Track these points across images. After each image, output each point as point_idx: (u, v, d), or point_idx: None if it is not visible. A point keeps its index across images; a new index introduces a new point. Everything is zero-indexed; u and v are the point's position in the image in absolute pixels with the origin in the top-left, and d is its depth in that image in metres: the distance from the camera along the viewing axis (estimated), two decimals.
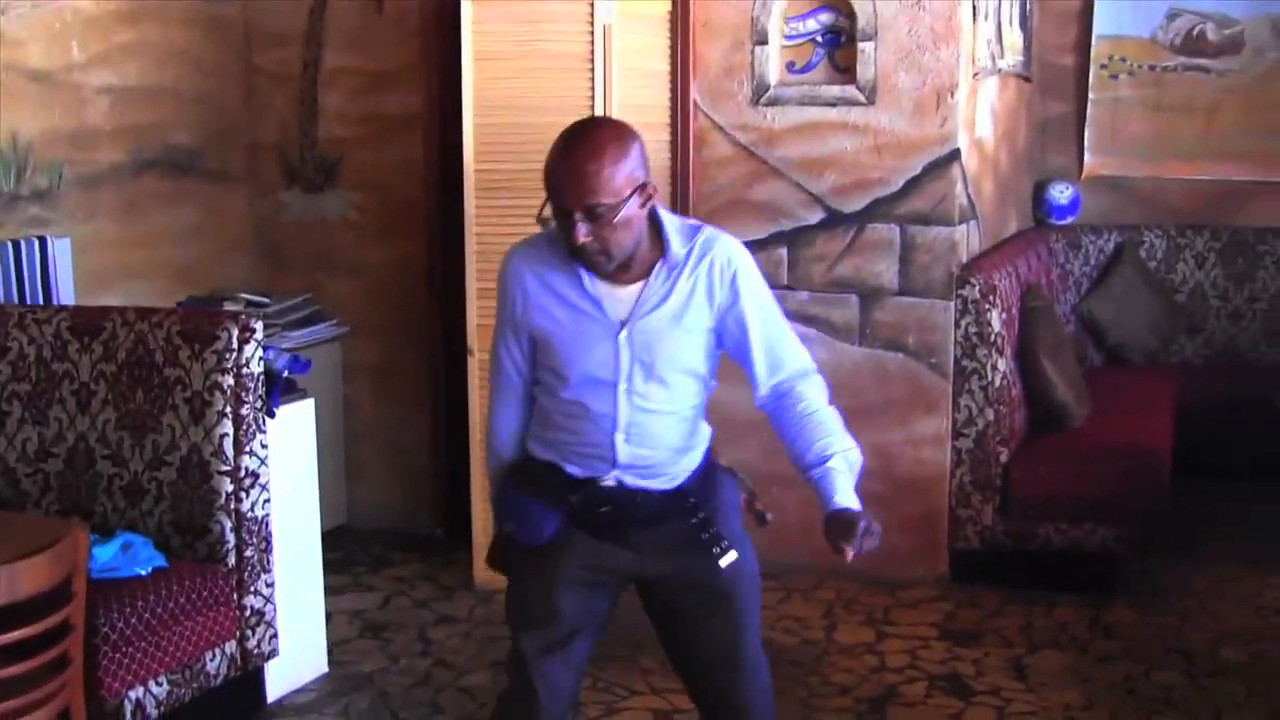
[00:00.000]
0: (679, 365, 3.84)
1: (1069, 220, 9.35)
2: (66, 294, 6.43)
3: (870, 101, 6.94)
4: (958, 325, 6.94)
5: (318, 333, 7.52)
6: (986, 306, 6.90)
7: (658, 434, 3.86)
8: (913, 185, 6.94)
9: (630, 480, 3.88)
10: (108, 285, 6.88)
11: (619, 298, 3.80)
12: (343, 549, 7.23)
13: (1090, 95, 9.43)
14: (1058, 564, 6.98)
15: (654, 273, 3.81)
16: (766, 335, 3.92)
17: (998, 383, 6.95)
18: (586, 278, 3.80)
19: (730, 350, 3.94)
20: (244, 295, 7.38)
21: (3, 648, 3.98)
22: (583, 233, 3.63)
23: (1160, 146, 9.38)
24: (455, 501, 7.64)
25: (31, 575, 4.03)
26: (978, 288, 6.91)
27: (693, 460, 3.96)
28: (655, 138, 6.97)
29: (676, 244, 3.81)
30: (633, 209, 3.68)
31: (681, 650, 4.13)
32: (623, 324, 3.79)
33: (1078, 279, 9.29)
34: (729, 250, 3.88)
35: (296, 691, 5.90)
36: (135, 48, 7.08)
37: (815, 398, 3.93)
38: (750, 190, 7.12)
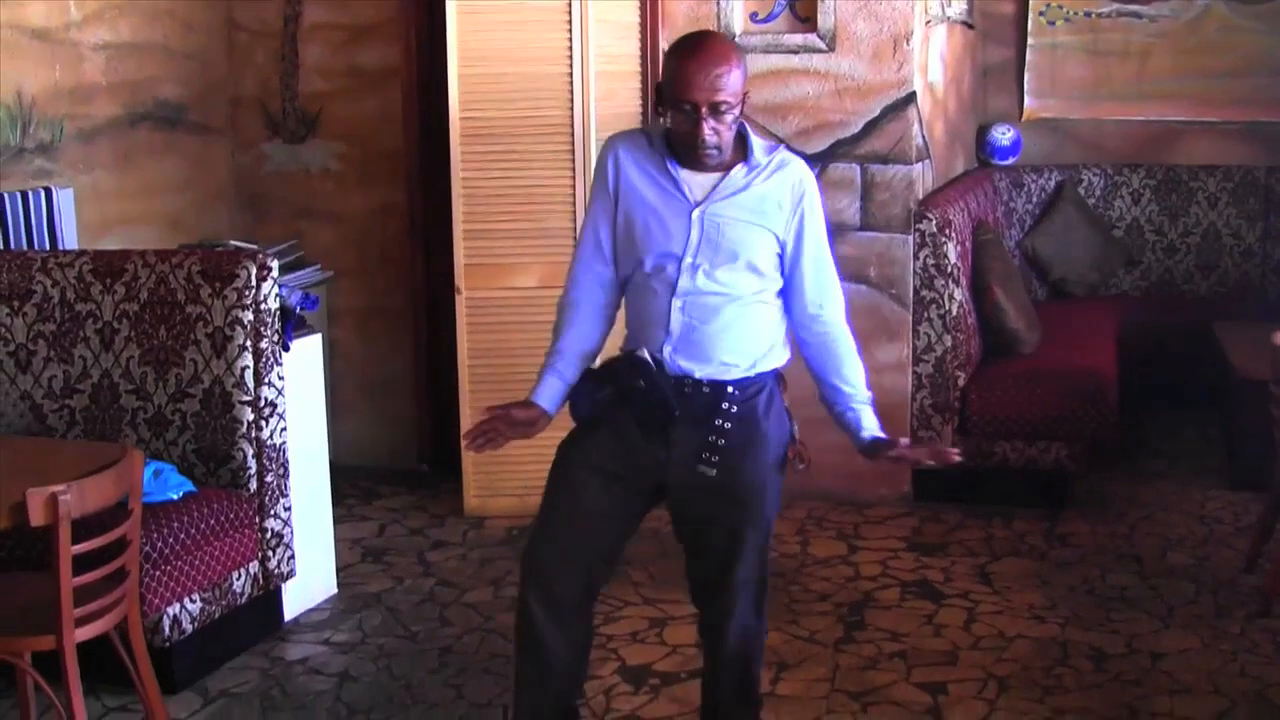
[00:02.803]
0: (742, 252, 4.22)
1: (1011, 161, 9.76)
2: (70, 242, 6.71)
3: (831, 49, 7.33)
4: (916, 258, 7.35)
5: (304, 277, 7.80)
6: (943, 240, 7.32)
7: (710, 310, 4.23)
8: (872, 127, 7.35)
9: (678, 361, 4.25)
10: (105, 233, 7.18)
11: (698, 183, 4.23)
12: (332, 483, 7.56)
13: (1029, 41, 9.85)
14: (1014, 481, 7.46)
15: (735, 168, 4.23)
16: (818, 261, 4.34)
17: (954, 311, 7.37)
18: (669, 163, 4.24)
19: (785, 268, 4.33)
20: (234, 242, 7.66)
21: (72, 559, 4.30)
22: (709, 127, 4.10)
23: (1097, 89, 9.82)
24: (440, 437, 8.03)
25: (98, 492, 4.34)
26: (934, 222, 7.32)
27: (745, 364, 4.29)
28: (627, 85, 7.35)
29: (759, 151, 4.27)
30: (740, 109, 4.18)
31: (687, 558, 4.54)
32: (698, 204, 4.22)
33: (1021, 216, 9.72)
34: (803, 171, 4.33)
35: (311, 610, 6.26)
36: (127, 6, 7.35)
37: (846, 343, 4.41)
38: None
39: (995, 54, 9.92)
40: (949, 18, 8.32)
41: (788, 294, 4.36)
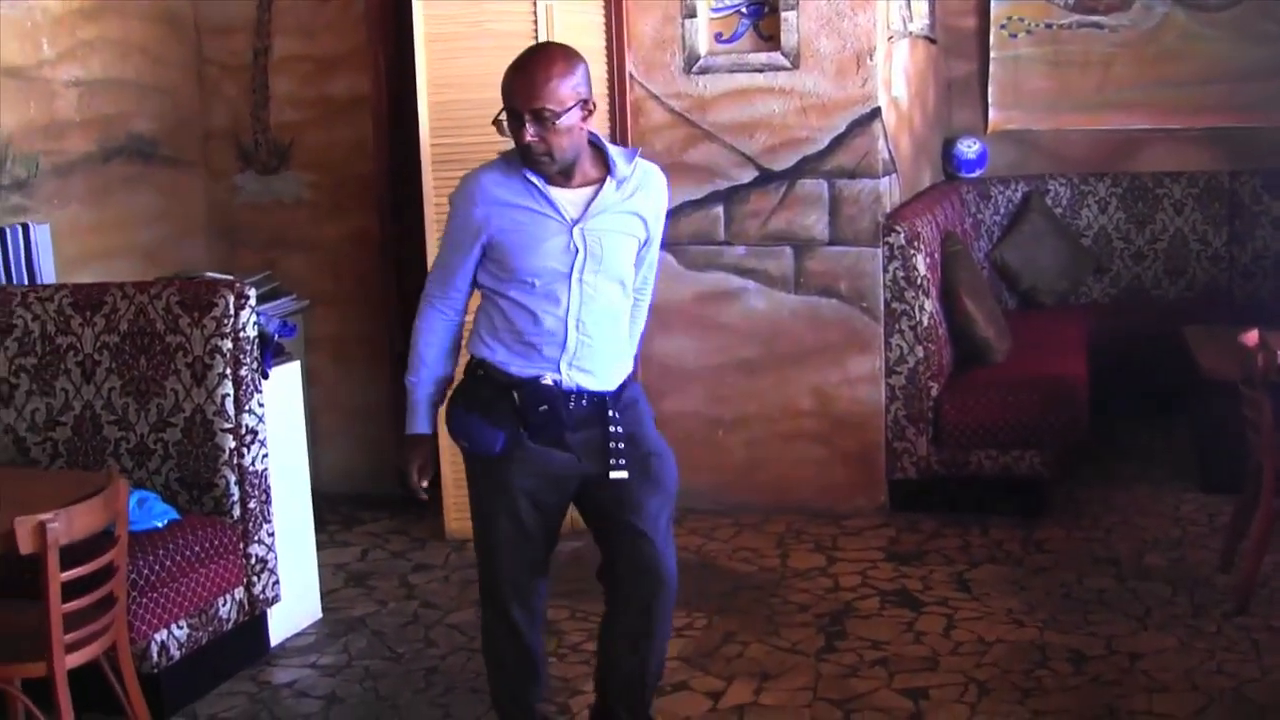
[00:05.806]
0: (621, 263, 4.47)
1: (977, 173, 9.86)
2: (48, 276, 6.76)
3: (795, 66, 7.41)
4: (886, 270, 7.42)
5: (280, 307, 7.80)
6: (912, 252, 7.39)
7: (599, 324, 4.44)
8: (838, 143, 7.42)
9: (573, 376, 4.42)
10: (82, 267, 7.23)
11: (571, 200, 4.38)
12: (314, 509, 7.61)
13: (992, 54, 9.96)
14: (989, 489, 7.53)
15: (606, 183, 4.40)
16: (653, 256, 4.73)
17: (925, 322, 7.44)
18: (539, 184, 4.34)
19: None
20: (209, 274, 7.71)
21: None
22: (530, 133, 4.23)
23: (1060, 100, 9.92)
24: None
25: (85, 519, 4.41)
26: (903, 234, 7.40)
27: (623, 369, 4.57)
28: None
29: (622, 164, 4.43)
30: (574, 118, 4.27)
31: (600, 536, 4.66)
32: (575, 221, 4.35)
33: (989, 228, 9.82)
34: (661, 179, 4.61)
35: (296, 635, 6.32)
36: (98, 43, 7.43)
37: (639, 325, 4.84)
38: (686, 154, 7.57)
39: (958, 67, 10.03)
40: (911, 32, 8.42)
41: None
